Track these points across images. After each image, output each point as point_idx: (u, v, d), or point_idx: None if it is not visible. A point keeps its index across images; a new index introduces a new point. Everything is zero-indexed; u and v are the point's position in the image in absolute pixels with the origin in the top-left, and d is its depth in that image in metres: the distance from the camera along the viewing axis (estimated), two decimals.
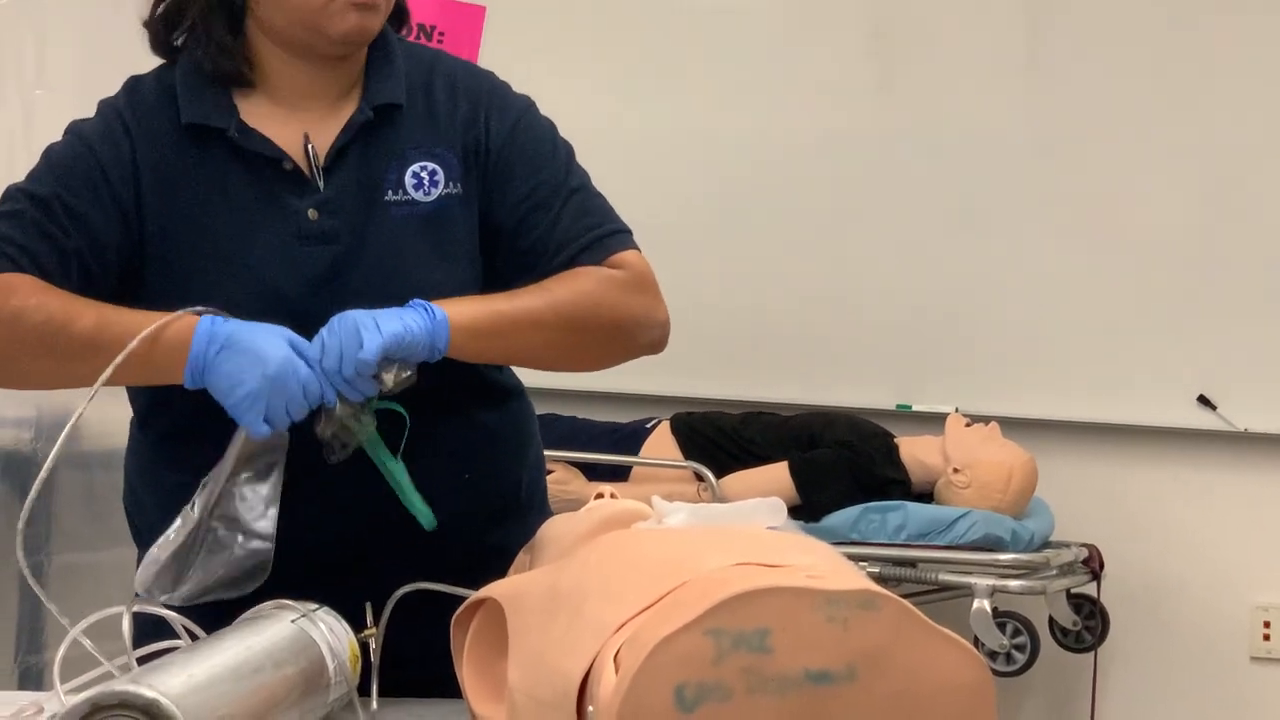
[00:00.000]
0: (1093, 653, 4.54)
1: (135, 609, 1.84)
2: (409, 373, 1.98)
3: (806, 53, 4.93)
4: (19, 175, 2.10)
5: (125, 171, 2.08)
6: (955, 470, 4.39)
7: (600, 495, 1.96)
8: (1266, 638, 4.61)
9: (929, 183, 4.81)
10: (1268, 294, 4.53)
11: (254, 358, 1.92)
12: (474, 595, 1.79)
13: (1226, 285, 4.56)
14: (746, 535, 1.75)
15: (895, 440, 4.54)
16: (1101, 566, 4.48)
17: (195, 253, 2.07)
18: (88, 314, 1.99)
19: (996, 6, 4.74)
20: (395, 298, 2.01)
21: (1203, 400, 4.57)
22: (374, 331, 1.94)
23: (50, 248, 2.03)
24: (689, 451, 4.52)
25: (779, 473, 4.41)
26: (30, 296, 1.99)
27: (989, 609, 4.18)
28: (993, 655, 4.20)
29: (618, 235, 2.16)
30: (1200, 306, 4.57)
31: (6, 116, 3.77)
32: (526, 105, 2.22)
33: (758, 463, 4.47)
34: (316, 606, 1.84)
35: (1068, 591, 4.45)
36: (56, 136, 2.14)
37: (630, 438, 4.58)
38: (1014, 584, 4.23)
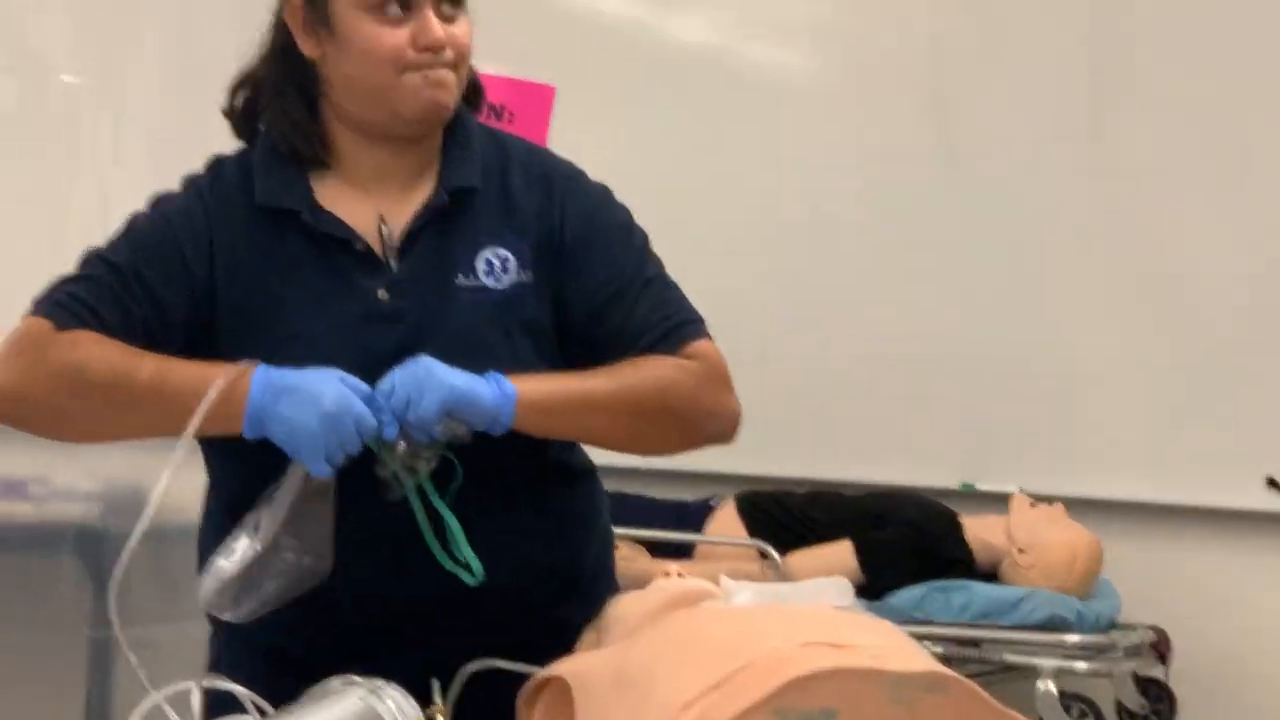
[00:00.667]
0: None
1: (205, 684, 1.86)
2: (464, 430, 2.00)
3: (865, 118, 4.93)
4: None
5: (201, 251, 2.11)
6: (1020, 550, 4.37)
7: (667, 574, 1.96)
8: None
9: (992, 256, 4.79)
10: None
11: (310, 397, 1.94)
12: (541, 673, 1.79)
13: None
14: (812, 615, 1.75)
15: (959, 520, 4.52)
16: (1169, 649, 4.44)
17: (265, 329, 2.09)
18: (147, 365, 2.02)
19: (1058, 74, 4.72)
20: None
21: (1271, 483, 4.53)
22: (440, 385, 1.96)
23: (119, 313, 2.06)
24: (754, 529, 4.51)
25: (843, 551, 4.40)
26: (93, 348, 2.02)
27: (1055, 691, 4.14)
28: None
29: (691, 325, 2.17)
30: (1268, 386, 4.53)
31: (83, 194, 3.82)
32: (603, 193, 2.24)
33: (822, 541, 4.45)
34: (384, 683, 1.85)
35: (1135, 674, 4.41)
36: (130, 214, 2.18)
37: (695, 515, 4.57)
38: (1080, 665, 4.19)
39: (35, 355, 2.04)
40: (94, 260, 2.11)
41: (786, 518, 4.52)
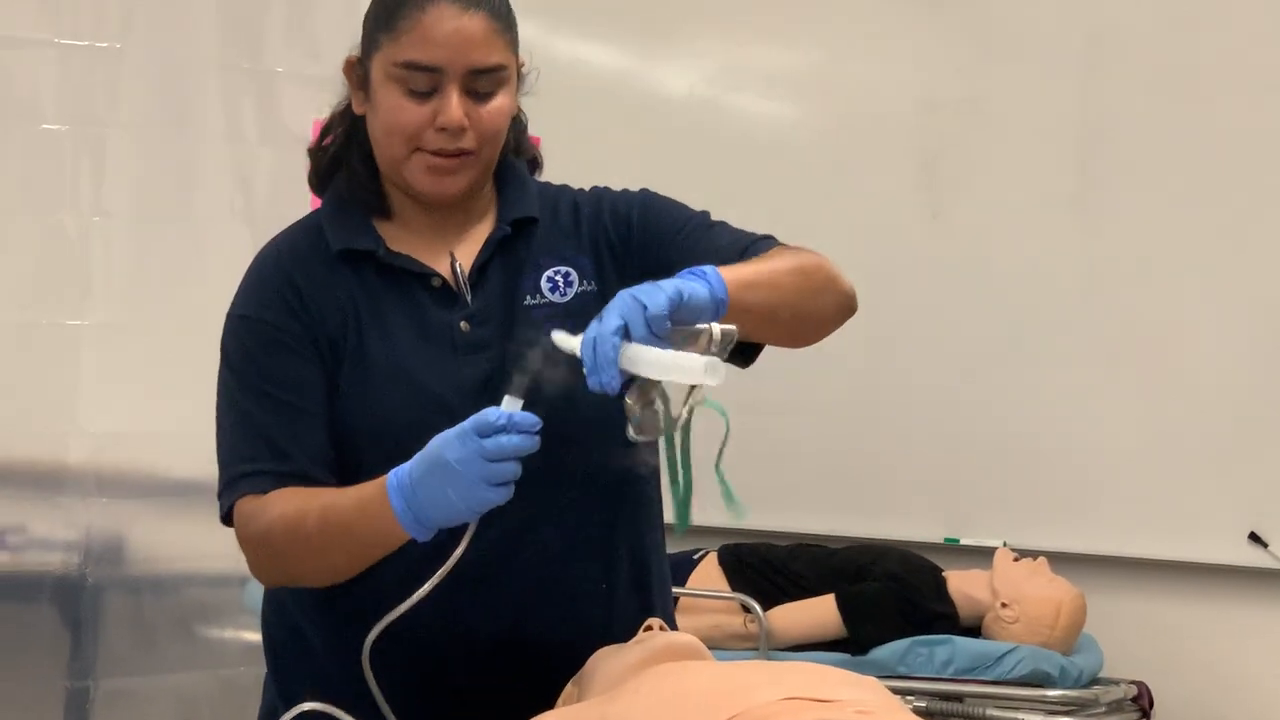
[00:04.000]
0: None
1: None
2: (730, 331, 1.89)
3: (855, 184, 4.95)
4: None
5: (301, 321, 2.12)
6: (1003, 605, 4.36)
7: (649, 627, 1.95)
8: None
9: (978, 315, 4.80)
10: None
11: (438, 463, 1.89)
12: None
13: (1278, 422, 4.53)
14: (794, 669, 1.74)
15: (943, 574, 4.51)
16: (1151, 704, 4.43)
17: (364, 370, 2.11)
18: (313, 511, 2.02)
19: (1046, 140, 4.75)
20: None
21: (1254, 537, 4.53)
22: (655, 286, 1.87)
23: (287, 432, 2.08)
24: (736, 583, 4.50)
25: (826, 605, 4.39)
26: (273, 510, 2.04)
27: None
28: None
29: (772, 236, 2.23)
30: (1251, 442, 4.54)
31: (64, 241, 3.83)
32: (646, 189, 2.28)
33: (805, 595, 4.44)
34: None
35: None
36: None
37: (677, 568, 4.55)
38: None
39: (245, 540, 2.08)
40: (230, 408, 2.12)
41: (769, 571, 4.51)
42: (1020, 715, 4.18)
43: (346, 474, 2.07)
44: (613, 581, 2.16)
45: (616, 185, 2.32)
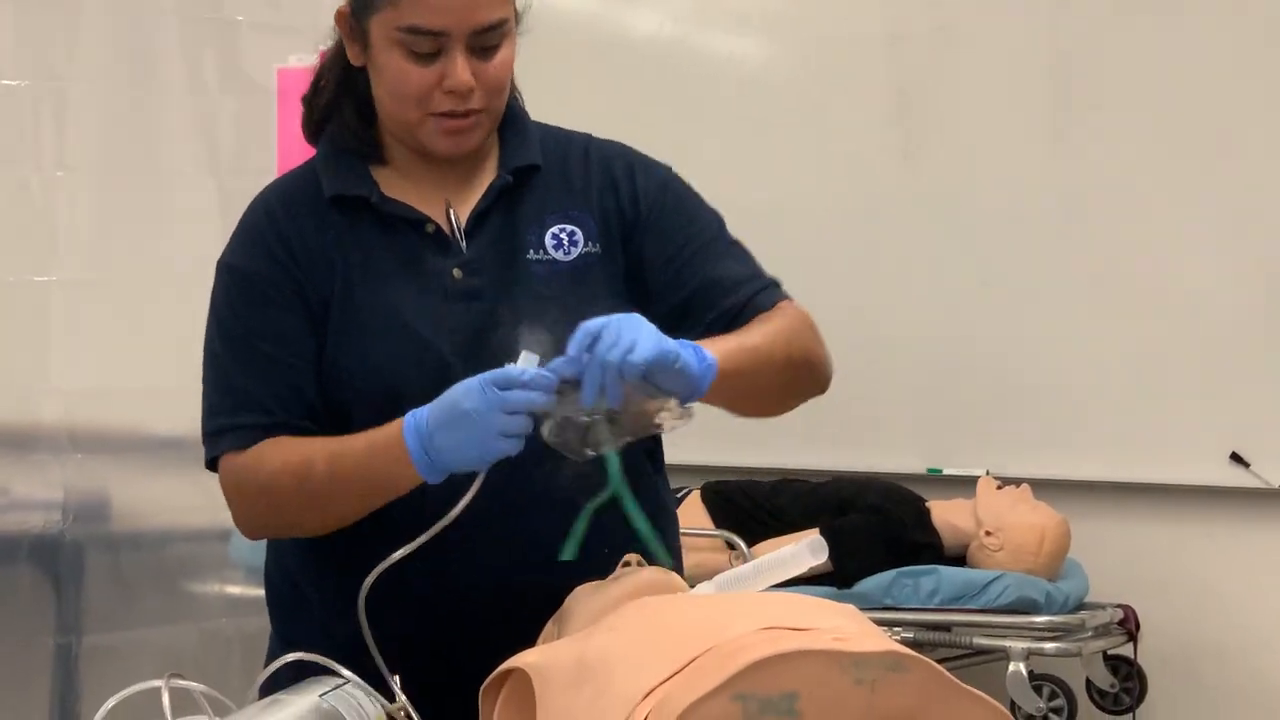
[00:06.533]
0: (1131, 714, 4.49)
1: (171, 684, 1.83)
2: (686, 412, 1.94)
3: (829, 121, 4.93)
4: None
5: (292, 276, 2.11)
6: (987, 533, 4.37)
7: (627, 563, 1.95)
8: None
9: (955, 248, 4.80)
10: None
11: (455, 411, 1.90)
12: (501, 666, 1.78)
13: (1258, 342, 4.52)
14: (772, 600, 1.74)
15: (926, 504, 4.51)
16: (1138, 627, 4.44)
17: (352, 316, 2.10)
18: (320, 457, 2.03)
19: (1021, 74, 4.73)
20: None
21: (1235, 458, 4.53)
22: (655, 335, 1.90)
23: (272, 388, 2.08)
24: (720, 520, 4.50)
25: (810, 539, 4.38)
26: (273, 460, 2.05)
27: (1025, 672, 4.14)
28: (1030, 719, 4.16)
29: (778, 285, 2.24)
30: (1232, 364, 4.54)
31: (28, 197, 3.80)
32: (669, 168, 2.28)
33: (789, 530, 4.44)
34: (347, 680, 1.85)
35: (1104, 653, 4.41)
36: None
37: None
38: (1049, 646, 4.20)
39: (238, 494, 2.10)
40: (214, 359, 2.12)
41: (753, 507, 4.51)
42: (1007, 642, 4.19)
43: (336, 420, 2.08)
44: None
45: (587, 128, 2.30)
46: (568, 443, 1.91)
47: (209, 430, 2.11)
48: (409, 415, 1.95)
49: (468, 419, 1.88)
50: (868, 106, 4.90)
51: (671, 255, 2.18)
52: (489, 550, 2.07)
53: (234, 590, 4.13)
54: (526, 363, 1.90)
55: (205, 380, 2.14)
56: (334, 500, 2.03)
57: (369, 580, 1.97)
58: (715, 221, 2.26)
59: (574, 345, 1.89)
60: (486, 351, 2.02)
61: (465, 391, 1.90)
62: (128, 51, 4.03)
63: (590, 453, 1.91)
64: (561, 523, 2.01)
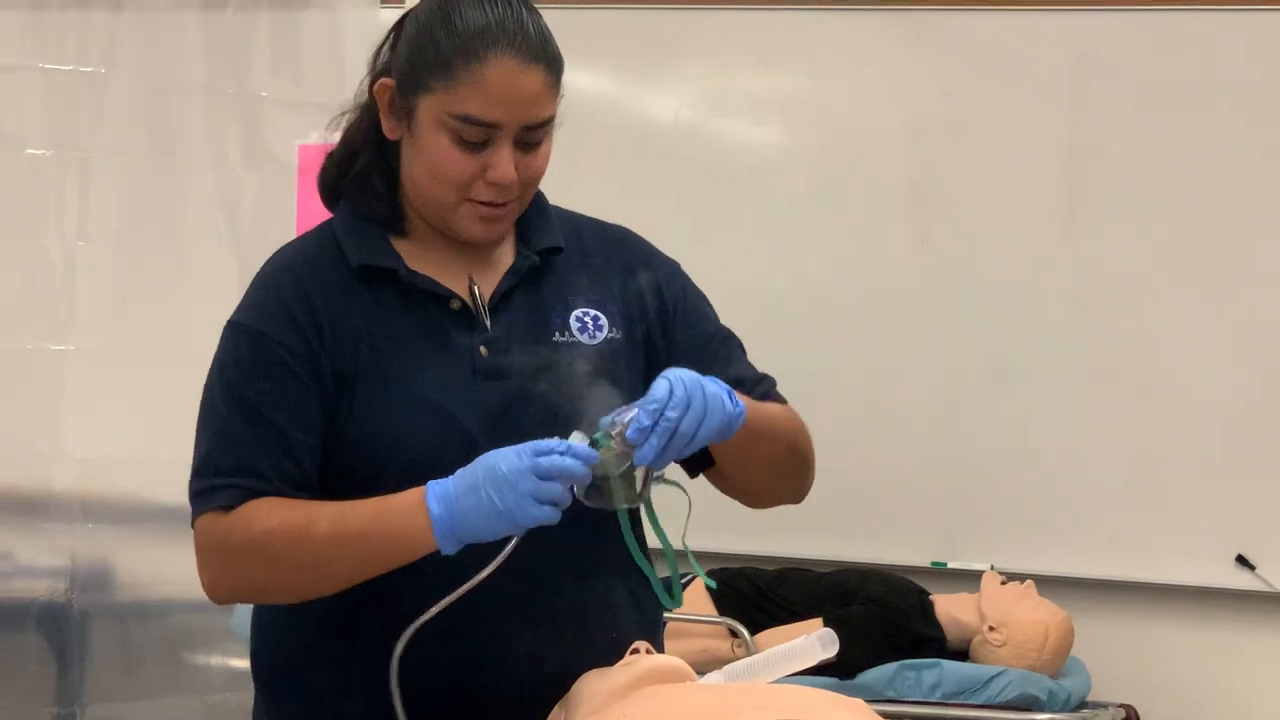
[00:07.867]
0: None
1: None
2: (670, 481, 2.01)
3: (844, 209, 4.93)
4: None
5: (308, 340, 2.09)
6: (991, 628, 4.35)
7: (634, 650, 1.94)
8: None
9: (966, 340, 4.79)
10: None
11: (488, 474, 1.91)
12: None
13: (1265, 444, 4.53)
14: (783, 691, 1.74)
15: (929, 597, 4.51)
16: None
17: (380, 387, 2.08)
18: (323, 518, 2.00)
19: (1035, 166, 4.74)
20: (566, 432, 1.99)
21: (1241, 560, 4.53)
22: (722, 412, 1.98)
23: (270, 457, 2.05)
24: (723, 608, 4.49)
25: (813, 629, 4.37)
26: (268, 519, 2.02)
27: None
28: None
29: (774, 383, 2.26)
30: (1238, 465, 4.54)
31: (48, 266, 3.82)
32: (678, 263, 2.31)
33: (792, 619, 4.43)
34: None
35: None
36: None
37: None
38: None
39: (219, 551, 2.05)
40: (216, 417, 2.09)
41: (757, 595, 4.50)
42: None
43: (348, 493, 2.04)
44: (615, 603, 2.14)
45: (605, 213, 2.31)
46: (607, 497, 1.95)
47: (201, 487, 2.07)
48: (431, 482, 1.95)
49: (501, 480, 1.89)
50: (883, 195, 4.90)
51: (700, 347, 2.21)
52: (512, 625, 2.06)
53: (237, 663, 4.11)
54: (576, 440, 1.93)
55: (202, 436, 2.09)
56: (331, 563, 2.00)
57: (399, 646, 1.96)
58: (714, 315, 2.30)
59: (645, 407, 1.93)
60: (512, 429, 2.02)
61: (499, 455, 1.91)
62: (152, 124, 4.06)
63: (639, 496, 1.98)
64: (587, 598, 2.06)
